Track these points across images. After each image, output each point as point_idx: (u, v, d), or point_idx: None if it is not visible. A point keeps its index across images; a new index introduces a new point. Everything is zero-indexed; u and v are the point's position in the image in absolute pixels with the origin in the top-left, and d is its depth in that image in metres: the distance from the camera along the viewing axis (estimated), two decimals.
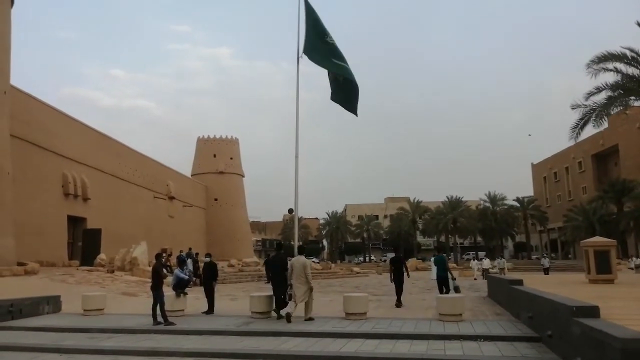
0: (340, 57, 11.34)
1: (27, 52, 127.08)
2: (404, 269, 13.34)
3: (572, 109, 20.06)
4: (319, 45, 11.28)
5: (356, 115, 11.68)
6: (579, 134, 20.37)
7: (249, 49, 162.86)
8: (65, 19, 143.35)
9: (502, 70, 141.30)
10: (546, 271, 31.69)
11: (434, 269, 13.56)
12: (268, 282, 11.50)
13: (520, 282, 11.31)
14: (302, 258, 10.24)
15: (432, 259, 14.66)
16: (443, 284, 12.74)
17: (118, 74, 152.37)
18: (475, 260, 32.79)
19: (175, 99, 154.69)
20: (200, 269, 18.48)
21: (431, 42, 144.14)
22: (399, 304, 12.70)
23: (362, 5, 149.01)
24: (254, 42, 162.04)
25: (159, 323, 9.96)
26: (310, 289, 10.11)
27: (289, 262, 10.32)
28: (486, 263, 32.32)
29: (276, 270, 10.53)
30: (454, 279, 12.92)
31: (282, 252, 10.89)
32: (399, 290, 13.03)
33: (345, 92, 11.60)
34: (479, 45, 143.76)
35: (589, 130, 21.25)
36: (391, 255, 15.15)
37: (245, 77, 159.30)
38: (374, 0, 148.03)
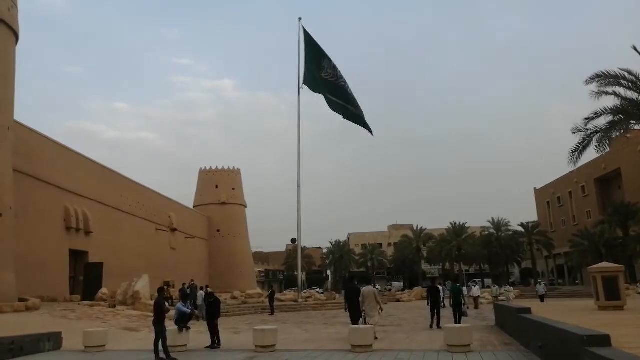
0: (337, 94, 11.62)
1: (31, 86, 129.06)
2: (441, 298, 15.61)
3: (573, 133, 20.18)
4: (318, 77, 11.52)
5: (371, 133, 11.88)
6: (579, 158, 20.44)
7: (250, 80, 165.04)
8: (70, 54, 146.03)
9: (502, 98, 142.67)
10: (542, 298, 29.64)
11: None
12: (346, 311, 13.37)
13: (528, 310, 11.14)
14: (371, 287, 12.39)
15: (449, 287, 16.63)
16: (457, 310, 14.67)
17: (121, 107, 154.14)
18: (477, 287, 31.70)
19: (177, 131, 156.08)
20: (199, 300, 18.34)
21: (432, 74, 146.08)
22: (434, 326, 14.43)
23: (368, 43, 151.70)
24: (255, 73, 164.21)
25: (162, 359, 9.80)
26: (381, 309, 12.00)
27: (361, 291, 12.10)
28: (475, 290, 29.39)
29: (354, 299, 12.37)
30: (466, 306, 14.48)
31: (355, 283, 13.15)
32: (438, 315, 14.80)
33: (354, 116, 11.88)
34: (479, 76, 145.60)
35: (591, 155, 21.33)
36: (398, 284, 16.56)
37: (247, 108, 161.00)
38: (379, 38, 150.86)
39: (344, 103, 11.20)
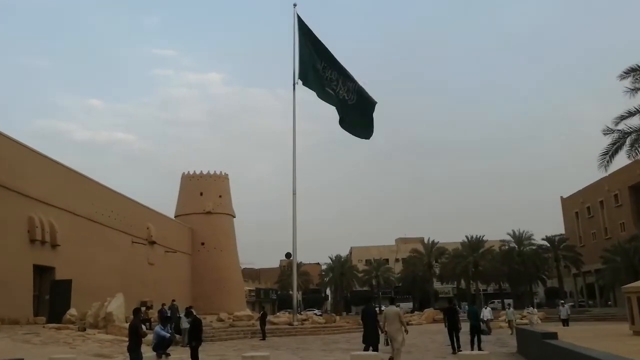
0: (334, 86, 11.61)
1: None
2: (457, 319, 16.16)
3: (604, 134, 20.24)
4: (314, 71, 11.53)
5: (367, 138, 11.86)
6: (610, 162, 20.50)
7: (241, 74, 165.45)
8: (34, 45, 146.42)
9: (525, 97, 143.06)
10: (565, 322, 29.44)
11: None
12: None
13: (554, 335, 11.12)
14: (395, 307, 13.56)
15: (464, 308, 18.71)
16: (476, 332, 15.68)
17: (95, 104, 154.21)
18: (488, 309, 31.43)
19: (158, 131, 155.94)
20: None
21: (445, 73, 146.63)
22: (456, 350, 15.28)
23: (375, 39, 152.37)
24: (247, 66, 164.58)
25: None
26: (406, 331, 12.81)
27: (381, 312, 13.67)
28: (486, 313, 28.81)
29: (370, 321, 13.70)
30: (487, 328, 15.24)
31: (371, 304, 15.01)
32: (457, 339, 15.73)
33: (356, 114, 11.80)
34: (497, 75, 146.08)
35: (623, 159, 21.36)
36: (406, 305, 16.88)
37: (237, 106, 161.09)
38: (385, 30, 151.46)
39: (337, 98, 11.31)
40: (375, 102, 11.50)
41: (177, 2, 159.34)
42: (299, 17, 11.45)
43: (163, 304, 25.77)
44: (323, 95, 11.35)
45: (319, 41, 11.43)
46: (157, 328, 12.03)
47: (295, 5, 12.47)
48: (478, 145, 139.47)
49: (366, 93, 11.55)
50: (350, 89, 11.51)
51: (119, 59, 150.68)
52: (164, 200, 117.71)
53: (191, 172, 57.62)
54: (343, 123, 11.60)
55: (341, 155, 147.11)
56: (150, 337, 12.47)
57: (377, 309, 15.06)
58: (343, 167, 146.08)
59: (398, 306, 16.55)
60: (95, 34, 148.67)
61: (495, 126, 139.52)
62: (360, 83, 12.01)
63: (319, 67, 11.21)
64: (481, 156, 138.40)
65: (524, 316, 33.66)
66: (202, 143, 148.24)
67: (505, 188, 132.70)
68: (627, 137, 19.79)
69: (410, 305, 72.92)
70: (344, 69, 11.59)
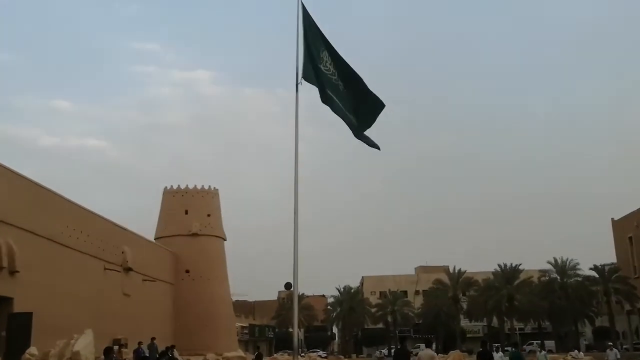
0: (335, 94, 11.65)
1: None
2: None
3: None
4: (318, 69, 11.55)
5: (375, 147, 11.86)
6: None
7: (234, 72, 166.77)
8: None
9: (570, 103, 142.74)
10: None
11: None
12: None
13: None
14: (430, 351, 14.53)
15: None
16: None
17: (62, 106, 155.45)
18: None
19: (137, 137, 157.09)
20: None
21: (476, 75, 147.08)
22: None
23: (395, 31, 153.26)
24: (240, 62, 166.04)
25: None
26: None
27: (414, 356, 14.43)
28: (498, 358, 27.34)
29: None
30: None
31: (405, 345, 16.05)
32: None
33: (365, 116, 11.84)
34: (536, 80, 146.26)
35: None
36: (425, 350, 16.80)
37: (229, 109, 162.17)
38: (409, 23, 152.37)
39: (340, 102, 11.33)
40: (383, 105, 11.62)
41: None
42: (303, 7, 11.53)
43: (140, 343, 25.74)
44: (325, 93, 11.45)
45: (322, 36, 11.49)
46: None
47: None
48: (513, 161, 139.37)
49: (372, 93, 11.70)
50: (356, 86, 11.67)
51: (91, 52, 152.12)
52: (142, 219, 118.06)
53: (175, 187, 57.71)
54: (354, 127, 11.67)
55: (353, 169, 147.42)
56: None
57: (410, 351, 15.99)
58: (355, 183, 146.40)
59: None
60: (62, 24, 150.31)
61: (533, 140, 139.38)
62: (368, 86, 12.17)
63: (320, 65, 11.27)
64: (517, 173, 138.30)
65: None
66: (188, 152, 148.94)
67: (545, 209, 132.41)
68: None
69: (432, 346, 72.39)
70: (350, 69, 11.72)
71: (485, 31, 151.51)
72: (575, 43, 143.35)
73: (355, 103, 11.90)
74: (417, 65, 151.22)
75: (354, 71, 11.92)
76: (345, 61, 11.97)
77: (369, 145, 11.89)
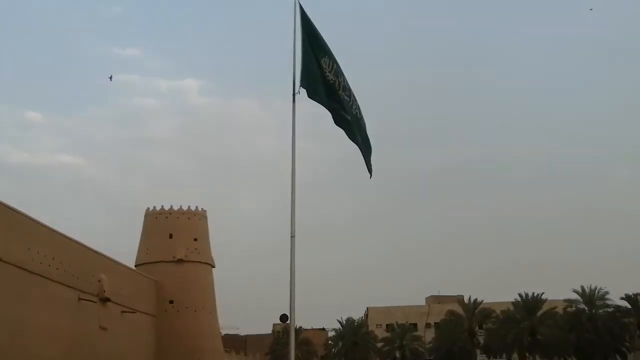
0: (338, 104, 11.73)
1: None
2: None
3: None
4: (320, 78, 11.59)
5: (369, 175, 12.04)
6: None
7: (226, 81, 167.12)
8: None
9: (598, 113, 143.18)
10: None
11: None
12: None
13: None
14: None
15: None
16: None
17: (34, 118, 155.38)
18: None
19: (117, 153, 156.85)
20: None
21: (499, 77, 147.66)
22: None
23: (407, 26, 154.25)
24: (233, 70, 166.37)
25: None
26: None
27: None
28: None
29: None
30: None
31: None
32: None
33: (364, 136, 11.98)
34: (563, 83, 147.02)
35: None
36: None
37: (220, 122, 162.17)
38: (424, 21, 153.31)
39: (344, 113, 11.42)
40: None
41: None
42: (302, 10, 11.58)
43: None
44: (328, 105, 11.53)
45: (322, 41, 11.56)
46: None
47: None
48: (532, 176, 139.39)
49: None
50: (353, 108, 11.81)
51: (67, 59, 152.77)
52: (121, 244, 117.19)
53: (158, 208, 57.59)
54: (361, 147, 11.79)
55: (357, 187, 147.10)
56: None
57: None
58: (359, 203, 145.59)
59: None
60: (34, 26, 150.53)
61: (554, 151, 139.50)
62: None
63: (323, 73, 11.31)
64: (536, 189, 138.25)
65: None
66: (173, 169, 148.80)
67: (569, 230, 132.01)
68: None
69: None
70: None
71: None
72: None
73: (360, 114, 12.00)
74: (426, 76, 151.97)
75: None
76: (342, 71, 12.09)
77: (367, 166, 12.04)
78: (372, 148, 12.25)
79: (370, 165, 12.22)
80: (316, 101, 11.77)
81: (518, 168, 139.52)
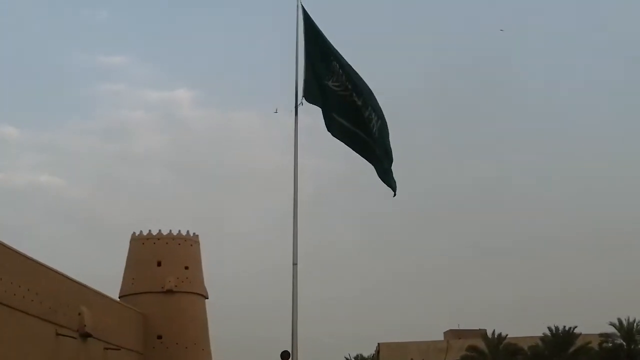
0: (347, 114, 11.71)
1: None
2: None
3: None
4: (324, 86, 11.60)
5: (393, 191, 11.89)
6: None
7: (221, 91, 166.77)
8: None
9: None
10: None
11: None
12: None
13: None
14: None
15: None
16: None
17: (10, 134, 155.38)
18: None
19: (100, 172, 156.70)
20: None
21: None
22: None
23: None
24: (229, 79, 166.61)
25: None
26: None
27: None
28: None
29: None
30: None
31: None
32: None
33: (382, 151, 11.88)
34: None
35: None
36: None
37: (214, 136, 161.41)
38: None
39: (356, 128, 11.26)
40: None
41: None
42: (304, 14, 11.59)
43: None
44: (329, 116, 11.49)
45: (329, 45, 11.53)
46: None
47: None
48: (564, 194, 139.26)
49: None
50: (366, 112, 11.65)
51: (46, 68, 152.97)
52: (105, 273, 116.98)
53: (145, 232, 57.64)
54: (357, 146, 11.71)
55: (366, 207, 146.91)
56: None
57: None
58: (368, 224, 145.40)
59: None
60: (11, 33, 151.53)
61: (592, 170, 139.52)
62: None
63: (328, 81, 11.27)
64: (570, 210, 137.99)
65: None
66: (163, 189, 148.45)
67: (605, 256, 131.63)
68: None
69: None
70: (362, 81, 11.74)
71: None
72: None
73: (381, 125, 11.92)
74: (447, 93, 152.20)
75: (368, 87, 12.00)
76: (358, 75, 12.01)
77: (388, 186, 11.91)
78: (384, 159, 12.12)
79: (393, 181, 12.07)
80: (319, 107, 11.78)
81: (550, 187, 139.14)
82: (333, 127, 11.64)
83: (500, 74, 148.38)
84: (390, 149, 11.98)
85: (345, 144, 11.77)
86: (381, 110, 11.84)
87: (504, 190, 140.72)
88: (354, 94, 11.68)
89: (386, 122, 11.84)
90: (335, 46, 12.13)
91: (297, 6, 12.14)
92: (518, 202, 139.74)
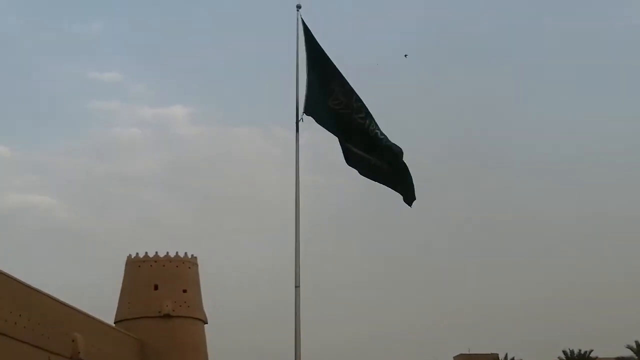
0: (352, 135, 11.79)
1: None
2: None
3: None
4: (325, 104, 11.70)
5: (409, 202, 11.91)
6: None
7: (219, 108, 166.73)
8: None
9: None
10: None
11: None
12: None
13: None
14: None
15: None
16: None
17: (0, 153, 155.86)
18: None
19: (94, 192, 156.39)
20: None
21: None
22: None
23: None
24: (228, 95, 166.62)
25: None
26: None
27: None
28: None
29: None
30: None
31: None
32: None
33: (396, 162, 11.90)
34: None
35: None
36: None
37: (212, 154, 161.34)
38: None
39: (363, 152, 11.25)
40: (401, 152, 11.72)
41: (128, 2, 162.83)
42: (304, 25, 11.65)
43: None
44: (340, 140, 11.53)
45: (328, 60, 11.61)
46: None
47: (298, 7, 12.41)
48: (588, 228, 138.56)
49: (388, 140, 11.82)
50: (370, 130, 11.66)
51: (36, 84, 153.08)
52: (100, 297, 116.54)
53: (141, 255, 57.55)
54: (387, 175, 11.69)
55: (373, 226, 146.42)
56: None
57: None
58: (376, 244, 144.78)
59: None
60: (0, 48, 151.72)
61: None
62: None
63: (328, 99, 11.37)
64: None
65: None
66: (159, 210, 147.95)
67: (621, 275, 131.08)
68: None
69: None
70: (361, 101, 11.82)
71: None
72: None
73: (385, 140, 11.97)
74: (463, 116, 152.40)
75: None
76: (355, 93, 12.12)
77: (405, 200, 11.95)
78: (399, 176, 12.11)
79: (411, 193, 12.07)
80: (324, 126, 11.86)
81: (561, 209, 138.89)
82: (350, 158, 11.77)
83: None
84: (403, 165, 11.99)
85: (354, 167, 11.83)
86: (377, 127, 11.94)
87: (514, 217, 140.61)
88: (355, 113, 11.78)
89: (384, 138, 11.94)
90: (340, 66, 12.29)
91: (297, 19, 12.27)
92: (525, 230, 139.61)
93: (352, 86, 12.21)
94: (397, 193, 12.27)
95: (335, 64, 12.23)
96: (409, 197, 12.20)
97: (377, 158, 12.10)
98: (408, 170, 12.19)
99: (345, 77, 12.24)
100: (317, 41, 12.27)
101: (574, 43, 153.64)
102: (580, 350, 68.98)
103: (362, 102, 12.10)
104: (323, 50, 12.27)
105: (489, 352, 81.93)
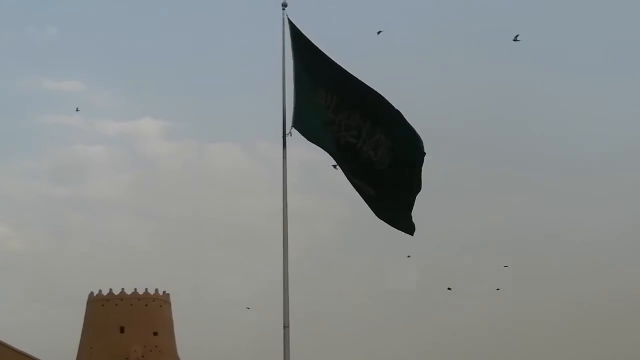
0: (345, 155, 11.47)
1: None
2: None
3: None
4: (316, 113, 11.45)
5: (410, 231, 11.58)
6: None
7: (195, 121, 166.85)
8: None
9: None
10: None
11: None
12: None
13: None
14: None
15: None
16: None
17: None
18: None
19: (51, 219, 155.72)
20: None
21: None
22: None
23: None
24: (205, 106, 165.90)
25: None
26: None
27: None
28: None
29: None
30: None
31: None
32: None
33: (390, 186, 11.51)
34: None
35: None
36: None
37: (187, 174, 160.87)
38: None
39: (351, 175, 10.98)
40: (424, 152, 11.14)
41: (89, 2, 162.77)
42: (290, 24, 11.41)
43: None
44: (328, 148, 11.26)
45: (322, 62, 11.31)
46: None
47: (284, 6, 12.14)
48: (598, 245, 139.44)
49: (411, 135, 11.16)
50: (381, 141, 11.21)
51: None
52: (56, 340, 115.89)
53: (105, 292, 57.23)
54: (375, 203, 11.33)
55: (369, 253, 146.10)
56: None
57: None
58: (372, 276, 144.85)
59: None
60: None
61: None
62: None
63: (322, 103, 11.07)
64: (602, 260, 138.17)
65: None
66: (126, 240, 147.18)
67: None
68: None
69: None
70: (376, 96, 11.28)
71: None
72: None
73: (391, 157, 11.56)
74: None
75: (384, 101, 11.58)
76: (365, 88, 11.63)
77: (397, 228, 11.64)
78: (398, 204, 11.77)
79: (408, 221, 11.75)
80: (313, 142, 11.59)
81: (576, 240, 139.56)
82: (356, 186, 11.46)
83: None
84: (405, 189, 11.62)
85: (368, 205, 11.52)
86: (396, 138, 11.41)
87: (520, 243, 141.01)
88: (343, 129, 11.43)
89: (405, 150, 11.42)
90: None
91: (283, 20, 12.03)
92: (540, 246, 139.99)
93: (361, 88, 11.80)
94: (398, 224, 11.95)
95: (336, 64, 11.91)
96: (405, 226, 11.85)
97: (365, 184, 11.74)
98: (411, 195, 11.78)
99: (353, 79, 11.84)
100: (311, 42, 11.98)
101: None
102: None
103: (364, 115, 11.70)
104: (318, 52, 11.96)
105: None
